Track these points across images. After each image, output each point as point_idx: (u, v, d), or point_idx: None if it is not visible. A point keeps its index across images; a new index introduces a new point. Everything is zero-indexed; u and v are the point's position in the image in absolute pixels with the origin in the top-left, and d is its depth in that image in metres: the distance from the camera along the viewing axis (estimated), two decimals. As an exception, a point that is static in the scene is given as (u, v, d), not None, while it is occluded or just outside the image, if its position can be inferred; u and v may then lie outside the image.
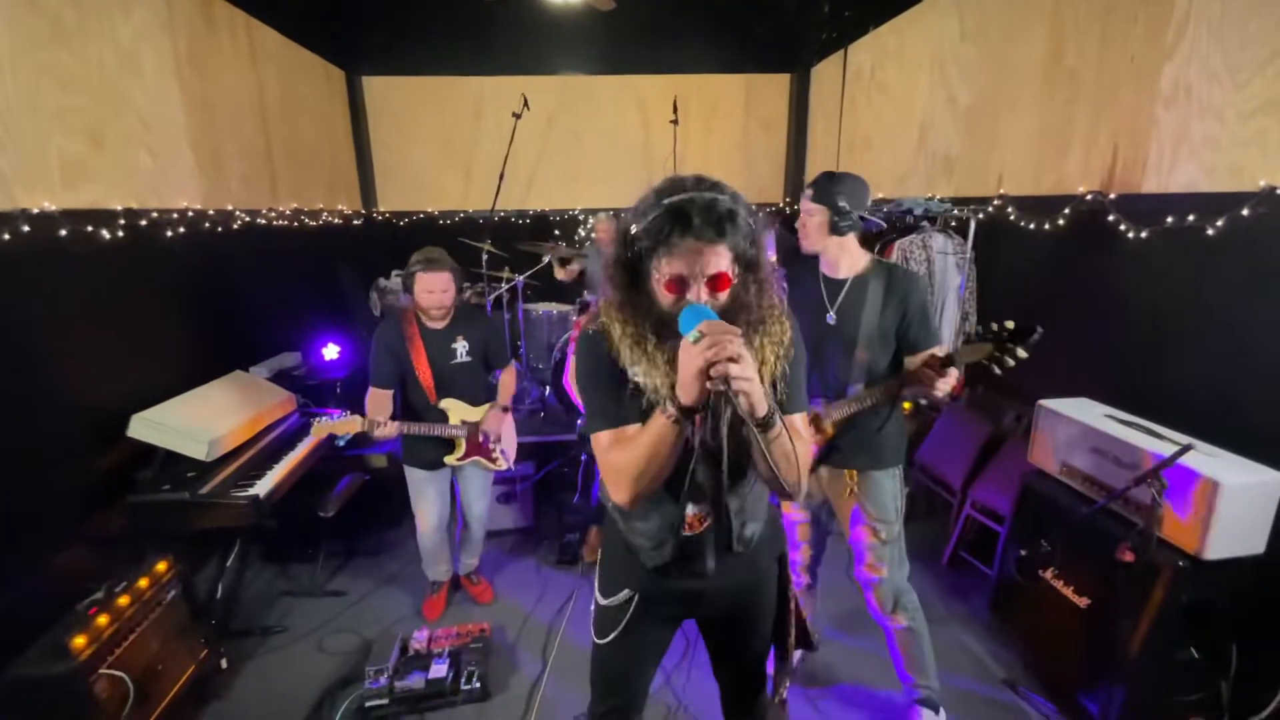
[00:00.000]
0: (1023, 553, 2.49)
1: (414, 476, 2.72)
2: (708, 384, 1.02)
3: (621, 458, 1.22)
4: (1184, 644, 2.02)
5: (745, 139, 5.87)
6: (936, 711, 2.19)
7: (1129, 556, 1.98)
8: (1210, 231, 2.19)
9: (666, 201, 1.14)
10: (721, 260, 1.15)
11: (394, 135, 5.57)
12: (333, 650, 2.68)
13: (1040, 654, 2.47)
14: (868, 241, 2.15)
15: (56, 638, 1.85)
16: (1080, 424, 2.33)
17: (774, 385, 1.28)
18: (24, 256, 2.20)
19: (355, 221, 5.40)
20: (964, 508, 3.13)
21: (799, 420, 1.35)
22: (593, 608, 1.55)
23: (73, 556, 2.33)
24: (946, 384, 1.80)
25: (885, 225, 2.07)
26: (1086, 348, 2.76)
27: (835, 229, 1.98)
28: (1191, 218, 2.25)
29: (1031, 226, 2.97)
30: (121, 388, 2.59)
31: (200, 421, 2.62)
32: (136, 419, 2.50)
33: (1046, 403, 2.49)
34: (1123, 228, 2.51)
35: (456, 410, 2.67)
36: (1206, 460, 1.96)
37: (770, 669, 1.63)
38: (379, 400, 2.56)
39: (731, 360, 0.99)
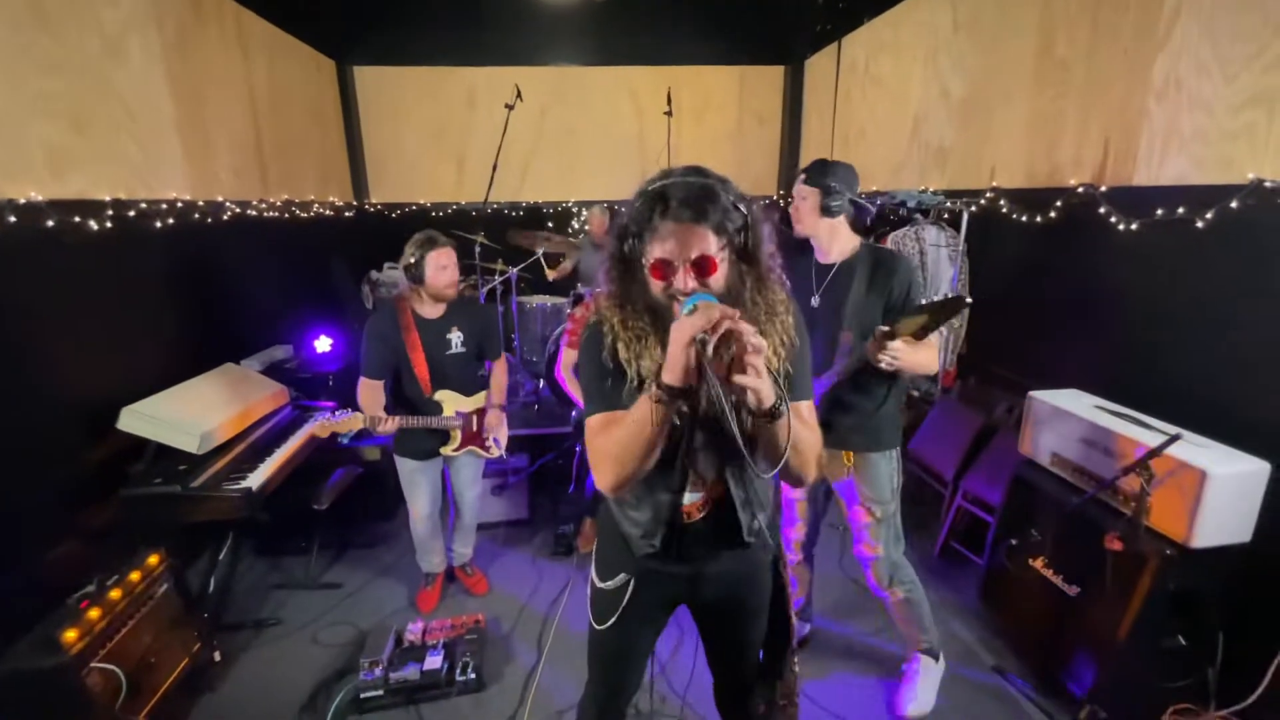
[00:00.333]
0: (1013, 542, 2.52)
1: (405, 466, 2.72)
2: (695, 355, 1.01)
3: (606, 440, 1.23)
4: (1171, 631, 2.05)
5: (739, 131, 5.86)
6: (936, 659, 2.34)
7: (1117, 545, 2.00)
8: (1200, 224, 2.21)
9: (650, 187, 1.16)
10: (704, 242, 1.13)
11: (386, 126, 5.53)
12: (327, 642, 2.68)
13: (1030, 642, 2.49)
14: (866, 232, 2.18)
15: (48, 631, 1.84)
16: (1070, 415, 2.35)
17: (776, 382, 1.27)
18: (11, 248, 2.18)
19: (347, 213, 5.36)
20: (955, 498, 3.15)
21: (805, 409, 1.34)
22: (589, 590, 1.56)
23: (64, 550, 2.31)
24: (888, 355, 1.83)
25: (874, 209, 2.11)
26: (1077, 339, 2.79)
27: (826, 210, 2.04)
28: (1181, 210, 2.27)
29: (1024, 219, 2.98)
30: (111, 380, 2.57)
31: (191, 414, 2.60)
32: (127, 412, 2.48)
33: (1037, 394, 2.51)
34: (1113, 220, 2.52)
35: (451, 401, 2.66)
36: (1194, 450, 1.98)
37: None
38: (370, 391, 2.54)
39: (730, 337, 1.00)
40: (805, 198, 2.07)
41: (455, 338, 2.64)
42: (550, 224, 5.79)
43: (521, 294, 5.03)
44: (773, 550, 1.52)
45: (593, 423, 1.28)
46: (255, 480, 2.52)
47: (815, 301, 2.12)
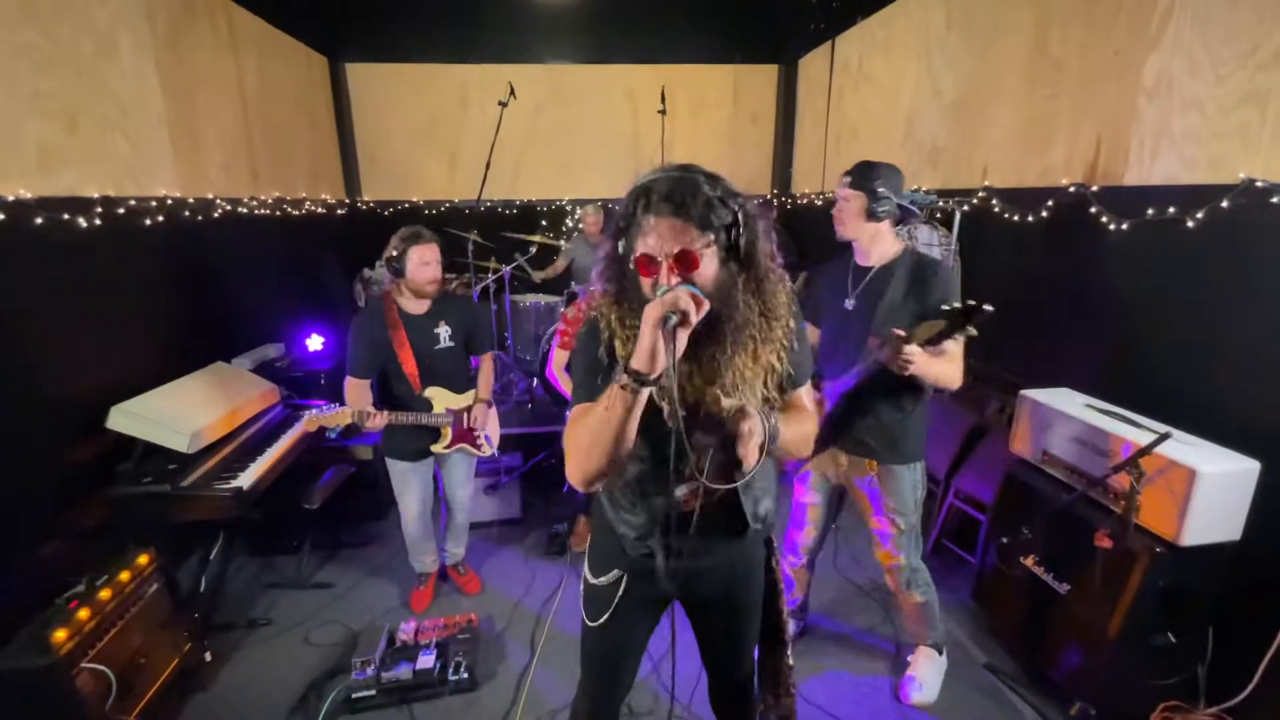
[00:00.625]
0: (1004, 540, 2.53)
1: (396, 468, 2.70)
2: (662, 338, 1.02)
3: (577, 430, 1.22)
4: (1161, 629, 2.06)
5: (733, 130, 5.86)
6: (940, 652, 2.40)
7: (1107, 543, 2.01)
8: (1190, 223, 2.21)
9: (639, 182, 1.16)
10: (685, 236, 1.11)
11: (378, 124, 5.50)
12: (319, 642, 2.66)
13: (1021, 639, 2.50)
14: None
15: (37, 632, 1.82)
16: (1061, 414, 2.36)
17: (780, 387, 1.30)
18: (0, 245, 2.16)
19: (339, 211, 5.33)
20: (947, 497, 3.17)
21: (804, 394, 1.39)
22: (582, 587, 1.56)
23: (52, 550, 2.29)
24: (903, 360, 1.80)
25: (920, 211, 2.08)
26: (1068, 339, 2.80)
27: (872, 215, 2.01)
28: (1172, 210, 2.28)
29: (1015, 218, 2.99)
30: (101, 379, 2.55)
31: (181, 413, 2.58)
32: (116, 410, 2.46)
33: (1029, 393, 2.52)
34: (1104, 219, 2.53)
35: (441, 399, 2.65)
36: (1184, 448, 1.99)
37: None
38: (358, 390, 2.52)
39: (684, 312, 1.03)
40: (849, 200, 2.03)
41: (443, 332, 2.62)
42: (544, 222, 5.78)
43: (515, 292, 5.03)
44: (766, 536, 1.53)
45: (572, 414, 1.28)
46: (246, 479, 2.51)
47: (850, 304, 2.09)
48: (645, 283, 1.17)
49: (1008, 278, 3.20)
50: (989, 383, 3.28)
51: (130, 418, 2.47)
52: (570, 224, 5.82)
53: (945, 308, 1.71)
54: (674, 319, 1.03)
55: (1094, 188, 2.60)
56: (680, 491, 1.33)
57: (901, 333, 1.81)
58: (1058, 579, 2.29)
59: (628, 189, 1.18)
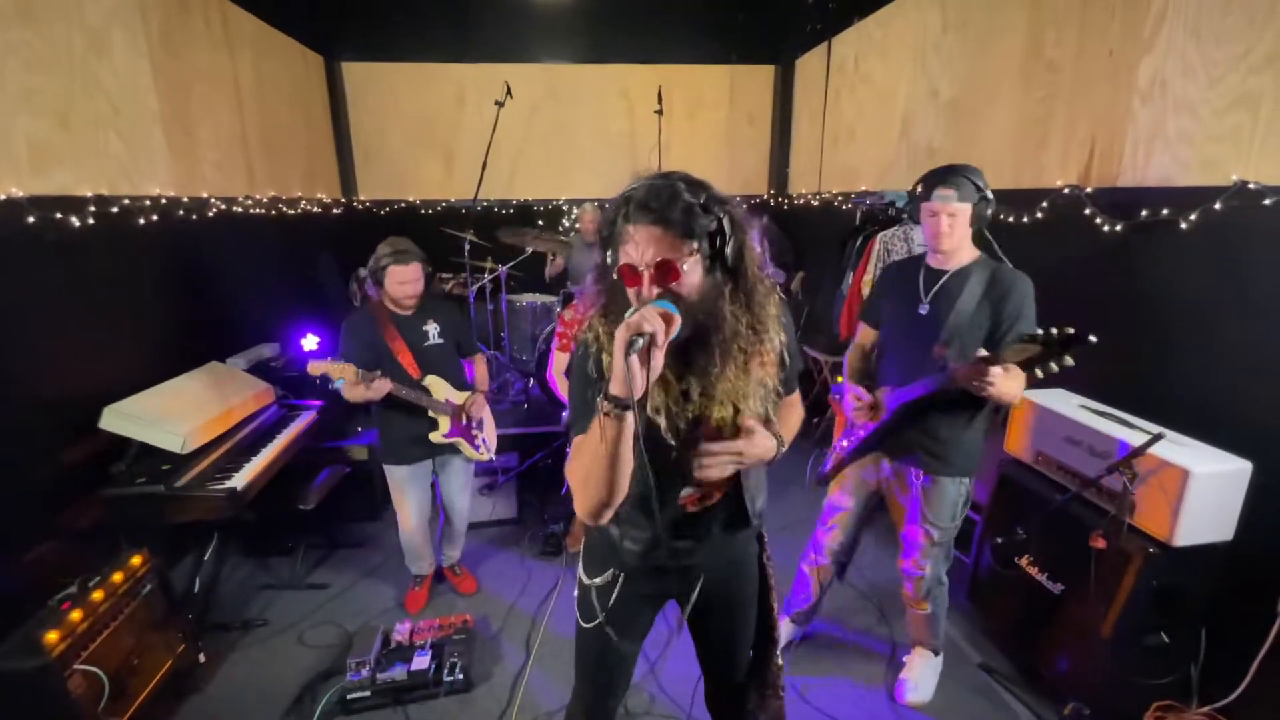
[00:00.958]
0: (999, 540, 2.53)
1: (393, 475, 2.70)
2: (627, 354, 1.00)
3: (575, 465, 1.21)
4: (1154, 629, 2.06)
5: (730, 130, 5.86)
6: (936, 654, 2.39)
7: (1101, 543, 2.02)
8: (1184, 225, 2.22)
9: (623, 191, 1.14)
10: (664, 246, 1.08)
11: (374, 123, 5.48)
12: (314, 643, 2.66)
13: (1016, 639, 2.51)
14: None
15: (29, 634, 1.81)
16: (1056, 414, 2.37)
17: (777, 393, 1.32)
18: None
19: (335, 210, 5.31)
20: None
21: (796, 397, 1.47)
22: (576, 589, 1.55)
23: (45, 551, 2.28)
24: (988, 383, 1.73)
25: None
26: (1063, 339, 2.80)
27: (981, 220, 1.94)
28: (1166, 211, 2.29)
29: (1010, 220, 3.00)
30: (94, 379, 2.53)
31: (175, 413, 2.57)
32: (109, 410, 2.45)
33: (1024, 393, 2.52)
34: (1099, 221, 2.54)
35: (440, 388, 2.66)
36: (1177, 449, 2.00)
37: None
38: (354, 390, 2.51)
39: (650, 332, 1.01)
40: (956, 215, 1.91)
41: (431, 329, 2.65)
42: (540, 222, 5.77)
43: (511, 292, 5.02)
44: (757, 538, 1.55)
45: (571, 448, 1.27)
46: (240, 480, 2.50)
47: (924, 309, 2.02)
48: (630, 293, 1.15)
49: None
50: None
51: (124, 418, 2.46)
52: (567, 224, 5.81)
53: (1041, 333, 1.60)
54: (640, 342, 1.00)
55: (1088, 189, 2.61)
56: (684, 493, 1.34)
57: (985, 353, 1.73)
58: (1052, 579, 2.30)
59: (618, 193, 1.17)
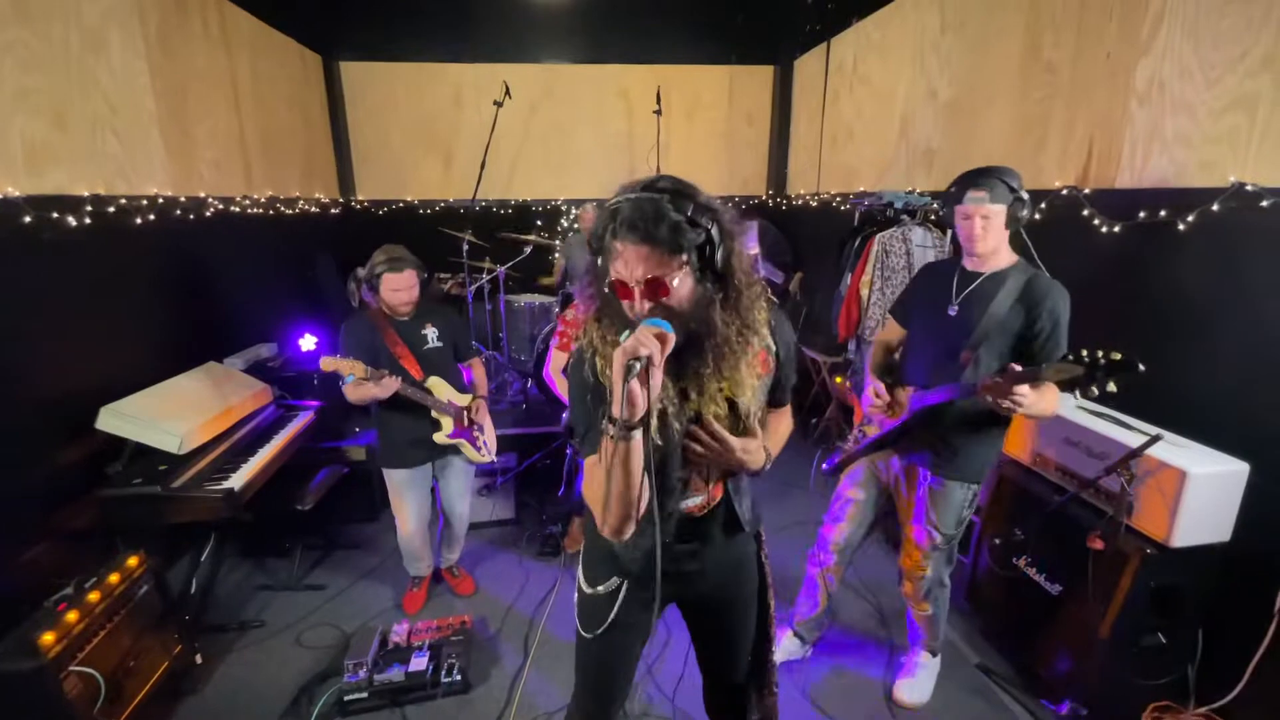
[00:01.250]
0: (997, 541, 2.54)
1: (393, 480, 2.69)
2: (626, 379, 1.01)
3: (589, 488, 1.23)
4: (1152, 629, 2.07)
5: (729, 131, 5.86)
6: (935, 655, 2.39)
7: (1099, 544, 2.02)
8: (1181, 226, 2.23)
9: (609, 204, 1.14)
10: (651, 264, 1.09)
11: (373, 122, 5.48)
12: (311, 644, 2.65)
13: (1013, 640, 2.52)
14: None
15: (24, 635, 1.81)
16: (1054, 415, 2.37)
17: (766, 398, 1.35)
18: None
19: (333, 210, 5.31)
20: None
21: (786, 409, 1.49)
22: (576, 598, 1.53)
23: (41, 552, 2.27)
24: (1011, 401, 1.69)
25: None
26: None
27: (1016, 221, 1.91)
28: (1163, 212, 2.29)
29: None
30: (90, 379, 2.52)
31: (172, 413, 2.56)
32: (105, 411, 2.44)
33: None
34: (1096, 222, 2.54)
35: (443, 389, 2.66)
36: (1174, 450, 2.01)
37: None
38: (357, 391, 2.51)
39: (647, 356, 1.01)
40: (991, 217, 1.88)
41: (430, 333, 2.66)
42: (539, 222, 5.77)
43: (510, 292, 5.02)
44: (755, 538, 1.56)
45: (584, 468, 1.28)
46: (237, 481, 2.49)
47: (953, 311, 1.99)
48: (624, 304, 1.16)
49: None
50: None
51: (120, 418, 2.45)
52: (566, 224, 5.81)
53: (1086, 356, 1.55)
54: (638, 366, 1.01)
55: (1086, 190, 2.61)
56: (690, 503, 1.35)
57: (1019, 368, 1.68)
58: (1050, 580, 2.30)
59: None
